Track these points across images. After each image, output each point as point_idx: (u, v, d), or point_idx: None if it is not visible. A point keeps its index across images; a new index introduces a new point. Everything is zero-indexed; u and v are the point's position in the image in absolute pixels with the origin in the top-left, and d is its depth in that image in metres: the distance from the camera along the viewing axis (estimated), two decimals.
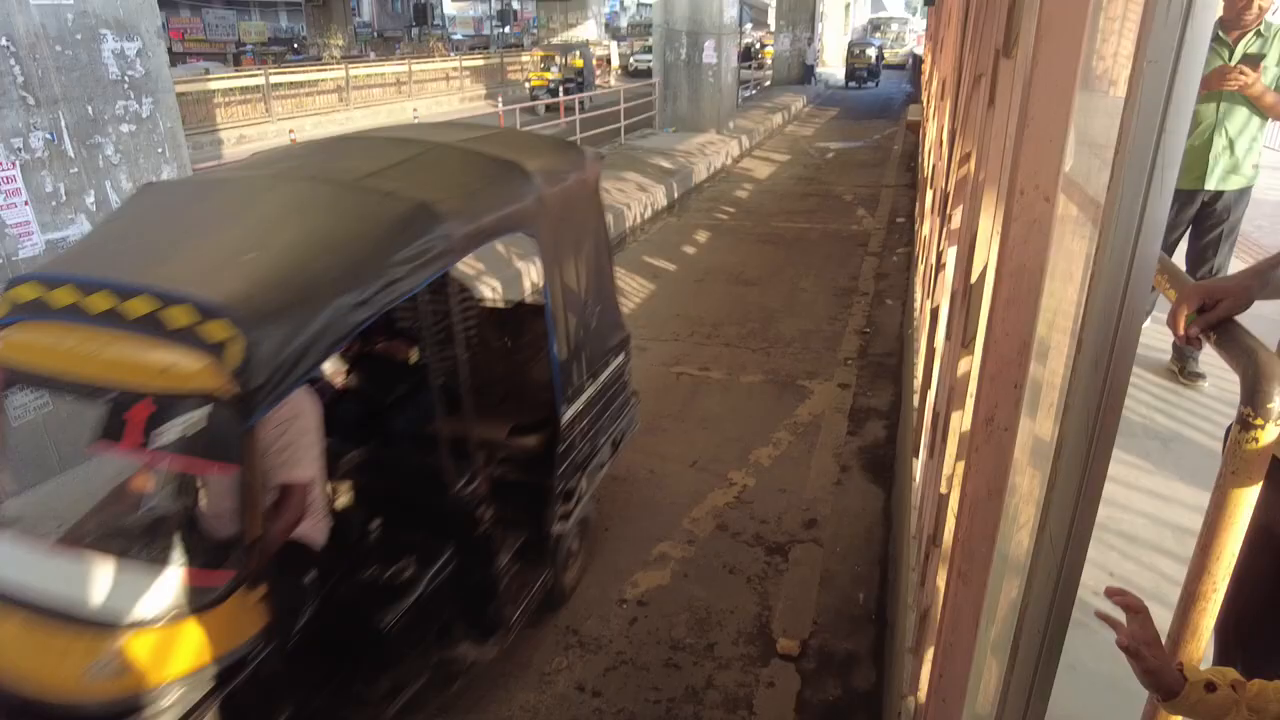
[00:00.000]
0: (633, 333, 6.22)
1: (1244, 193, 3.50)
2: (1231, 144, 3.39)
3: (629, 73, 29.37)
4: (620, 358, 3.60)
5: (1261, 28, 3.28)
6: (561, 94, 18.06)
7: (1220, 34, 3.34)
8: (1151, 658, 1.01)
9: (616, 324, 3.58)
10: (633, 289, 7.43)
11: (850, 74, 26.52)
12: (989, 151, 1.68)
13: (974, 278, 1.82)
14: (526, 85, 20.94)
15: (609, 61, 27.70)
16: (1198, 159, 3.43)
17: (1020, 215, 1.18)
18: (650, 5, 32.57)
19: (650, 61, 29.10)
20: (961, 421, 1.69)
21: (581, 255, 3.07)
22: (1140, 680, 1.03)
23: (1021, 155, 1.15)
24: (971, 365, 1.64)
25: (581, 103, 16.06)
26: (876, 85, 26.36)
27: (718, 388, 5.41)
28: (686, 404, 5.18)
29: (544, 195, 2.74)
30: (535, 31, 39.91)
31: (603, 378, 3.37)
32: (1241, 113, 3.35)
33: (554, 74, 20.58)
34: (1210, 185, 3.46)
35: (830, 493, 4.19)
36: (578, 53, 21.69)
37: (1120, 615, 1.07)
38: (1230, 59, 3.30)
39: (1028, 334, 1.25)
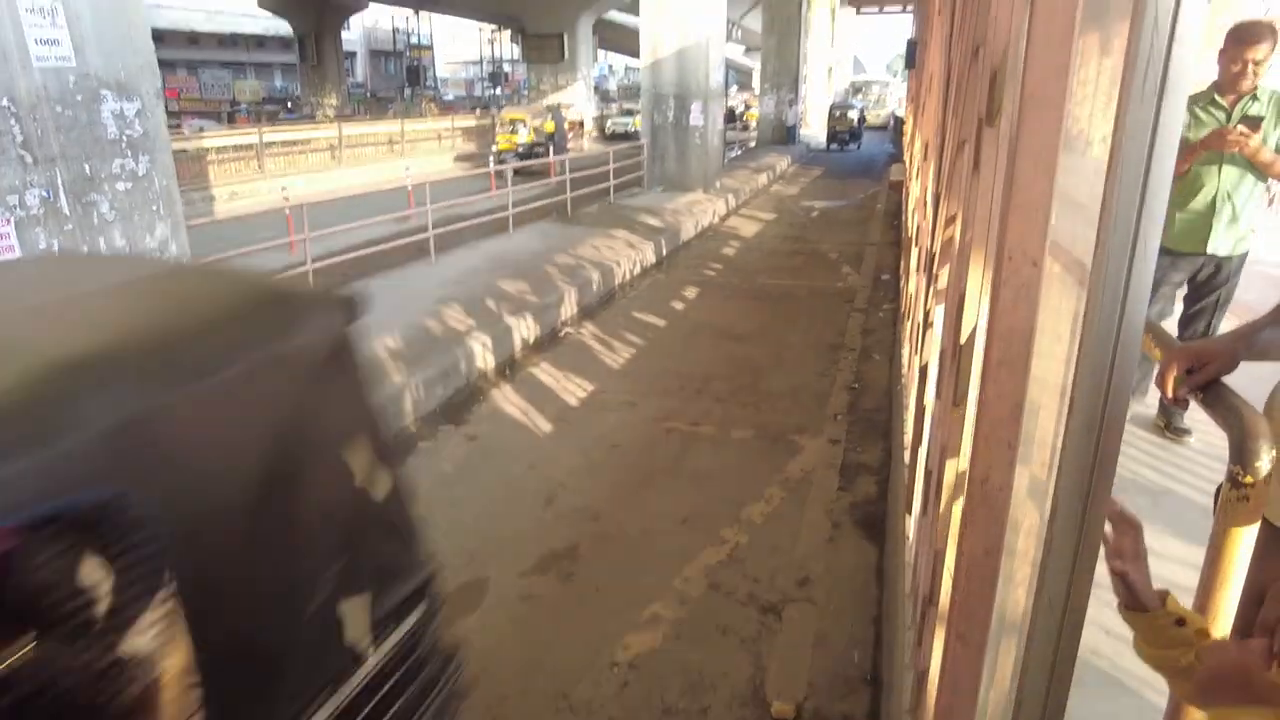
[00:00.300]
0: (623, 388, 6.30)
1: (1243, 257, 3.52)
2: (1234, 208, 3.41)
3: (607, 136, 29.72)
4: (415, 617, 1.97)
5: (1258, 92, 3.32)
6: (534, 156, 18.23)
7: (1216, 98, 3.36)
8: (1134, 571, 1.03)
9: (399, 567, 1.98)
10: (622, 345, 7.46)
11: (832, 136, 26.73)
12: (975, 215, 1.73)
13: (963, 337, 1.85)
14: (493, 149, 20.29)
15: (582, 125, 27.10)
16: (1201, 223, 3.44)
17: (1009, 280, 1.21)
18: (638, 69, 33.22)
19: (628, 125, 29.82)
20: (955, 480, 1.70)
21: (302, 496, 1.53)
22: (1115, 590, 1.04)
23: (1009, 222, 1.18)
24: (963, 424, 1.66)
25: (560, 166, 16.05)
26: (859, 148, 26.67)
27: (708, 443, 5.39)
28: (677, 459, 5.16)
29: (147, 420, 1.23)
30: (526, 93, 40.87)
31: (368, 667, 1.73)
32: (1243, 175, 3.37)
33: (522, 137, 20.16)
34: (1212, 250, 3.47)
35: (823, 550, 4.16)
36: (549, 115, 21.23)
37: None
38: (1228, 122, 3.34)
39: (1019, 395, 1.27)
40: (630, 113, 31.44)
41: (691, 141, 15.04)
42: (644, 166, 15.34)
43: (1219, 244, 3.47)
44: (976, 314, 1.53)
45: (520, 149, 19.89)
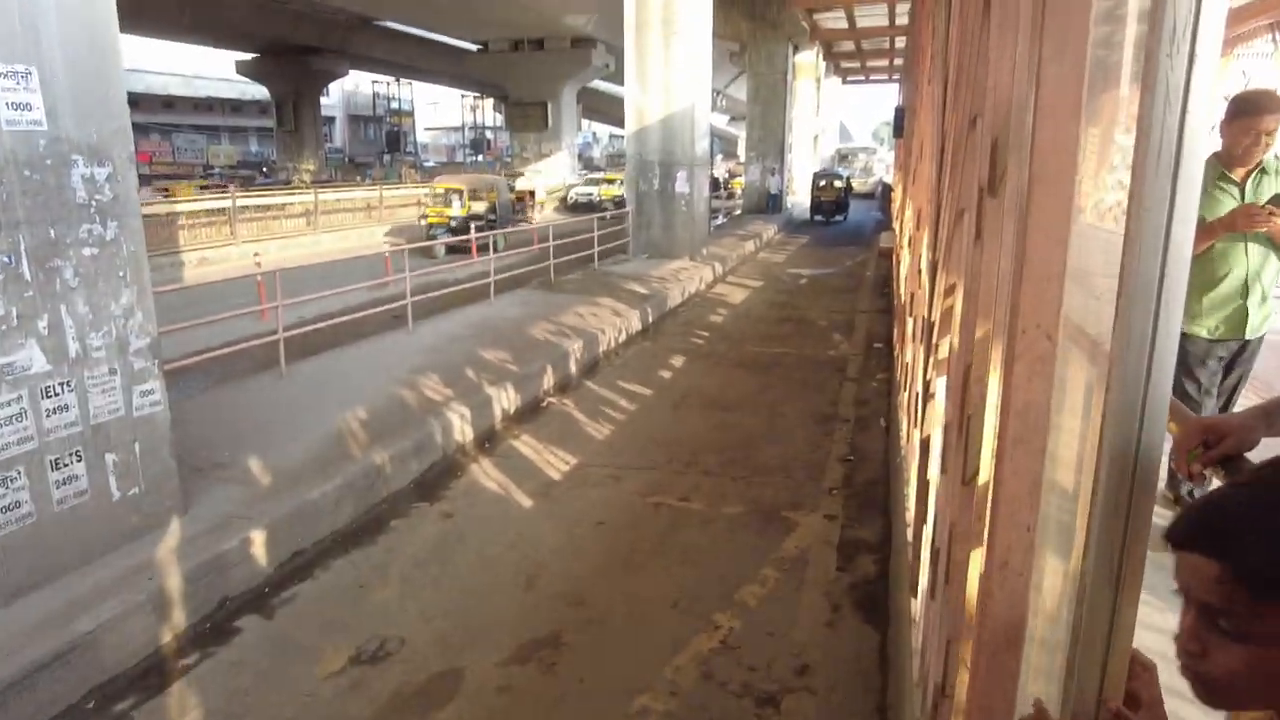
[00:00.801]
0: (609, 461, 6.25)
1: (1265, 335, 3.49)
2: (1264, 289, 3.36)
3: (569, 207, 29.61)
4: None
5: (1265, 163, 3.28)
6: (473, 230, 16.29)
7: (1225, 173, 3.31)
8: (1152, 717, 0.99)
9: None
10: (607, 415, 7.43)
11: (816, 207, 26.29)
12: (979, 286, 1.74)
13: (969, 411, 1.84)
14: (421, 223, 18.71)
15: (533, 195, 25.65)
16: (1236, 309, 3.35)
17: (1024, 354, 1.21)
18: (622, 137, 34.06)
19: (592, 195, 29.99)
20: (969, 563, 1.66)
21: None
22: None
23: (1022, 294, 1.19)
24: (975, 503, 1.63)
25: (495, 242, 15.71)
26: (845, 219, 26.41)
27: (698, 519, 5.33)
28: (665, 537, 5.08)
29: None
30: (509, 160, 41.81)
31: None
32: (1267, 254, 3.32)
33: (455, 210, 18.52)
34: (1249, 334, 3.42)
35: (822, 635, 4.06)
36: (491, 185, 19.94)
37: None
38: (1242, 197, 3.30)
39: (1037, 473, 1.26)
40: (595, 181, 31.46)
41: (677, 208, 15.36)
42: (629, 233, 15.61)
43: (1254, 329, 3.42)
44: (986, 388, 1.53)
45: (453, 223, 18.15)
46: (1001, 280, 1.44)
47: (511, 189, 23.92)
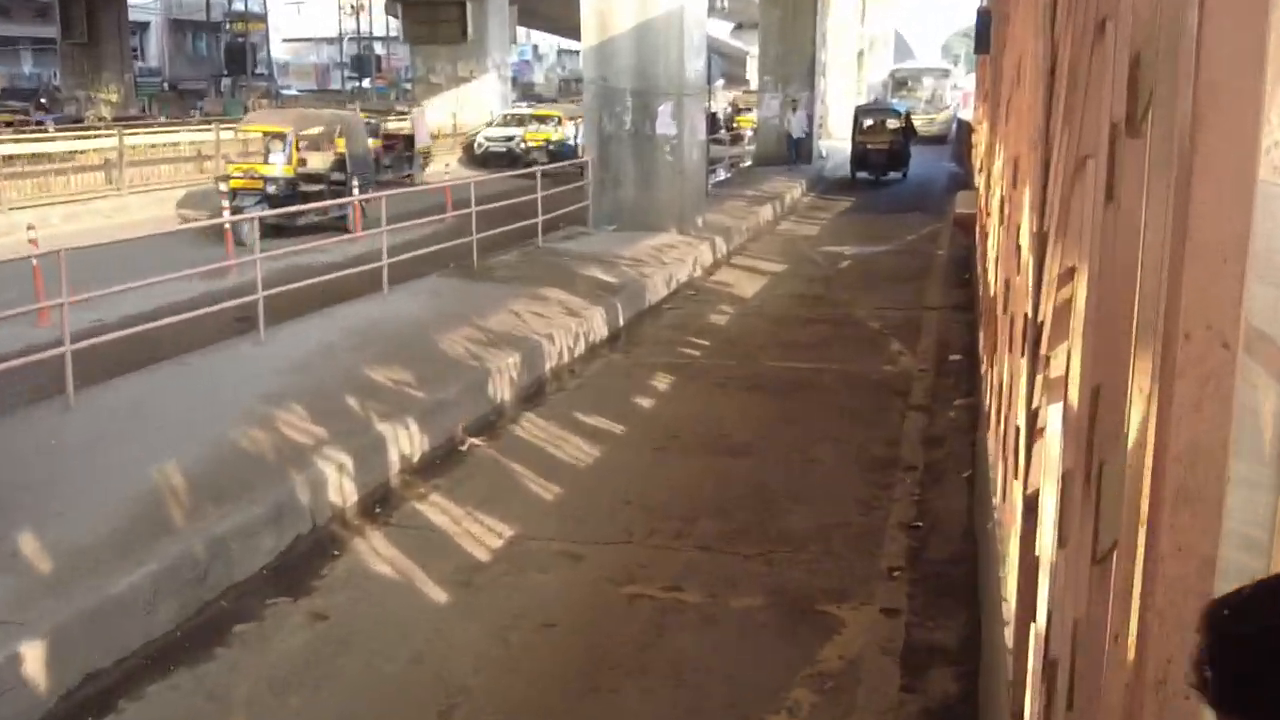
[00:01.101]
0: (561, 531, 6.22)
1: None
2: None
3: (477, 159, 29.24)
4: None
5: None
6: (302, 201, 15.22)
7: None
8: None
9: None
10: (558, 463, 7.41)
11: (861, 159, 26.33)
12: (1113, 268, 1.74)
13: (1100, 454, 1.84)
14: (220, 186, 16.85)
15: (409, 142, 24.38)
16: None
17: (1188, 369, 1.20)
18: (577, 53, 34.14)
19: (514, 141, 29.46)
20: (1106, 682, 1.65)
21: None
22: None
23: (1184, 282, 1.18)
24: (1113, 591, 1.63)
25: (349, 216, 15.40)
26: (904, 177, 26.51)
27: (695, 618, 5.31)
28: (646, 646, 5.06)
29: None
30: (410, 86, 41.79)
31: None
32: None
33: (279, 166, 17.03)
34: None
35: None
36: (339, 127, 18.63)
37: None
38: None
39: (1211, 546, 1.25)
40: (517, 119, 31.15)
41: (659, 159, 15.42)
42: (588, 196, 15.66)
43: None
44: (1129, 421, 1.52)
45: (272, 187, 16.60)
46: (1149, 261, 1.44)
47: (379, 132, 23.29)
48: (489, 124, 31.83)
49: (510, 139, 29.59)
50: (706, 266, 14.83)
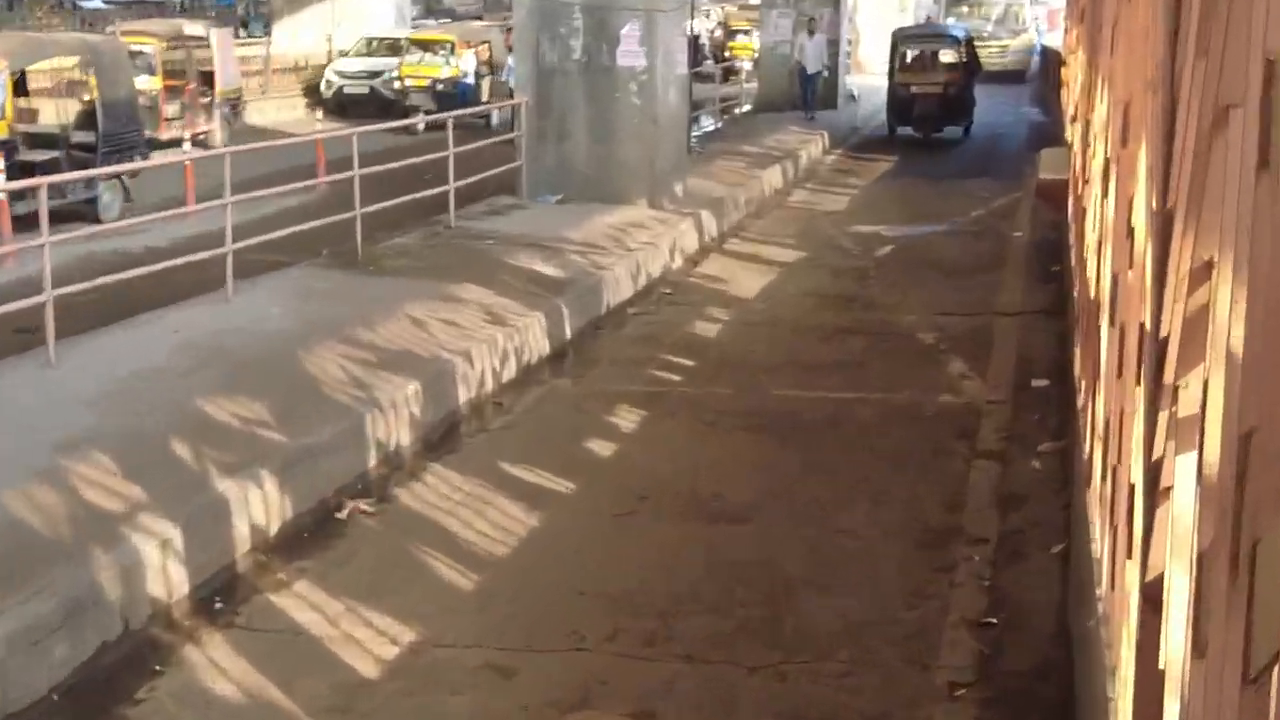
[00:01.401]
0: (485, 633, 6.15)
1: None
2: None
3: (328, 105, 29.57)
4: None
5: None
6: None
7: None
8: None
9: None
10: (479, 535, 7.40)
11: (902, 110, 26.22)
12: (1271, 261, 1.73)
13: (1257, 527, 1.83)
14: None
15: (207, 87, 23.69)
16: None
17: None
18: None
19: (380, 76, 28.91)
20: None
21: None
22: None
23: None
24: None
25: (101, 198, 15.18)
26: (967, 134, 26.54)
27: None
28: None
29: None
30: (265, 5, 41.57)
31: None
32: None
33: None
34: None
35: None
36: (85, 66, 18.01)
37: None
38: None
39: None
40: (388, 46, 31.11)
41: (622, 101, 15.48)
42: (520, 155, 15.67)
43: None
44: None
45: None
46: None
47: (157, 67, 22.70)
48: (344, 54, 31.80)
49: (376, 75, 29.76)
50: (690, 254, 14.82)
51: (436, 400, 9.10)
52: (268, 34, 37.42)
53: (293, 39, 35.12)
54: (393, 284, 11.22)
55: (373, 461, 8.25)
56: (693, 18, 21.93)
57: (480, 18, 44.51)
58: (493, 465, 8.45)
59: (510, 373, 10.18)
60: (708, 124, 25.21)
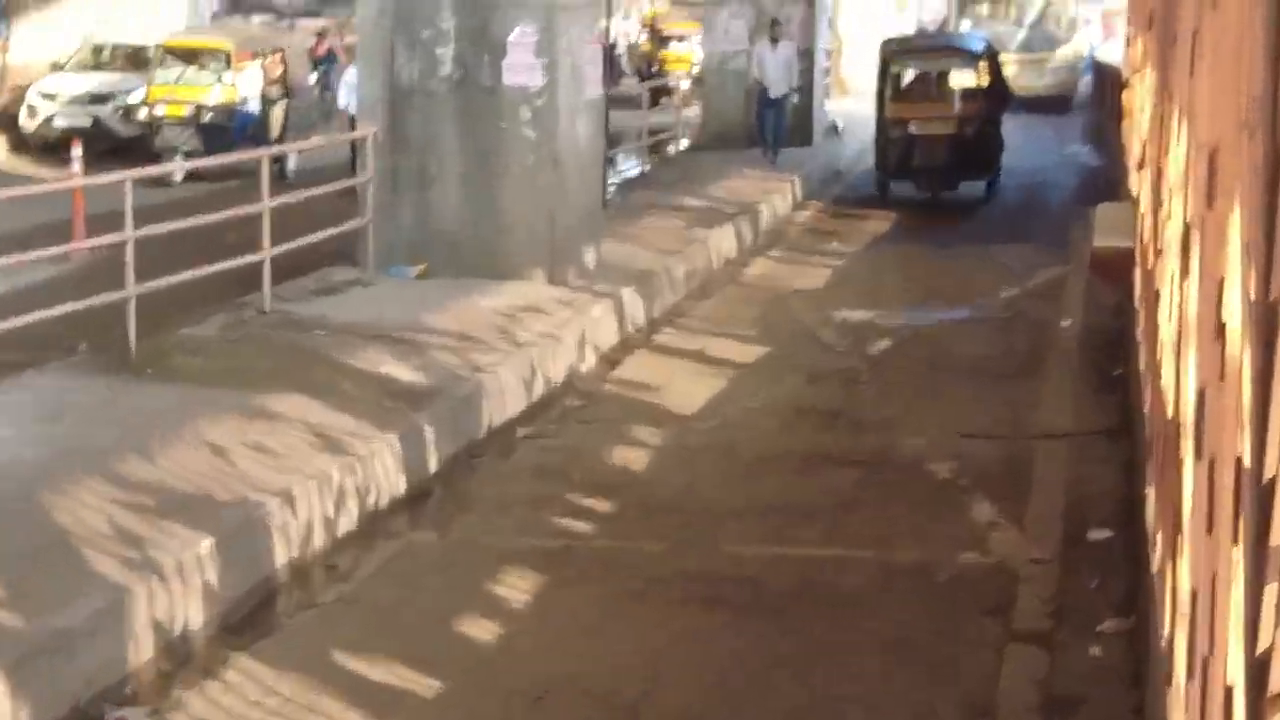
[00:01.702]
0: None
1: None
2: None
3: (31, 142, 29.75)
4: None
5: None
6: None
7: None
8: None
9: None
10: None
11: (898, 157, 25.98)
12: None
13: None
14: None
15: None
16: None
17: None
18: None
19: (107, 107, 28.77)
20: None
21: None
22: None
23: None
24: None
25: None
26: (992, 194, 26.34)
27: None
28: None
29: None
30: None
31: None
32: None
33: None
34: None
35: None
36: None
37: None
38: None
39: None
40: (135, 59, 31.34)
41: (511, 135, 15.71)
42: (363, 209, 15.83)
43: None
44: None
45: None
46: None
47: None
48: (60, 67, 31.71)
49: (105, 100, 29.94)
50: (606, 351, 14.91)
51: (242, 563, 9.00)
52: (5, 34, 37.30)
53: (42, 41, 35.03)
54: (181, 394, 11.18)
55: (149, 653, 8.11)
56: (609, 18, 22.07)
57: (318, 14, 44.46)
58: (322, 656, 8.34)
59: (350, 522, 10.13)
60: (631, 166, 25.47)
